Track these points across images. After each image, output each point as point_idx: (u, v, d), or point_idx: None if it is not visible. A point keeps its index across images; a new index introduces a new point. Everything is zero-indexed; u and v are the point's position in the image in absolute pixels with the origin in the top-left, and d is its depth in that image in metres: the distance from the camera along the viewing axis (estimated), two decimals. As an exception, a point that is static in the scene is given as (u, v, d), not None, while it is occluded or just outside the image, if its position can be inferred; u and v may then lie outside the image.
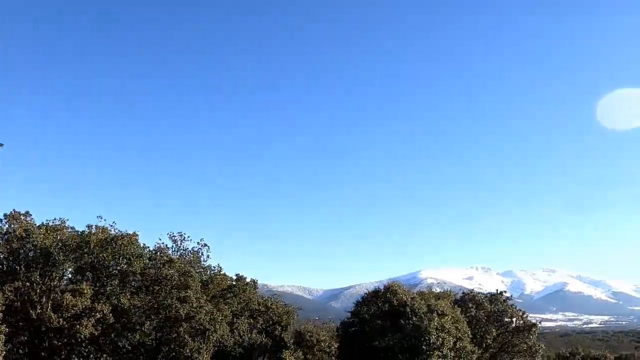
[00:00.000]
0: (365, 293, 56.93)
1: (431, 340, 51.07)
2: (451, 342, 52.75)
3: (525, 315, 67.70)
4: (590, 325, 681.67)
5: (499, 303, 66.74)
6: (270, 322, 54.87)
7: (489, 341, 63.84)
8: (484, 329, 63.87)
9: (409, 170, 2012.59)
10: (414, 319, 52.38)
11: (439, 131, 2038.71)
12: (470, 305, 64.60)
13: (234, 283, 59.63)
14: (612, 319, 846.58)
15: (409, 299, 54.92)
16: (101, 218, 53.92)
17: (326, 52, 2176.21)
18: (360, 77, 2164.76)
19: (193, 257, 62.91)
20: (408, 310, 53.81)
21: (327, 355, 52.07)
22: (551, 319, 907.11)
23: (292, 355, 47.29)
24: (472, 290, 68.05)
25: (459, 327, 54.61)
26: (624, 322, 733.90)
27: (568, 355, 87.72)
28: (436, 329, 51.82)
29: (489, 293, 68.17)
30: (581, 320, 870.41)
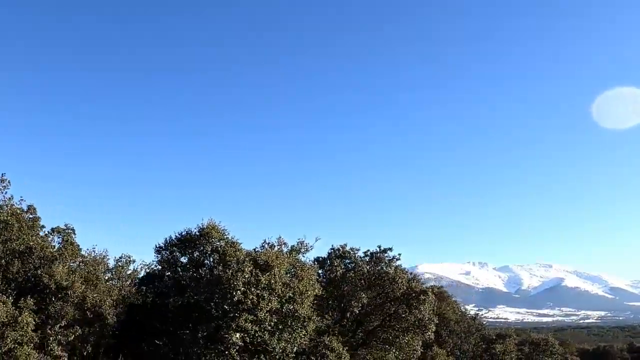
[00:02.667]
0: (171, 237, 41.58)
1: (236, 298, 36.16)
2: (274, 304, 37.84)
3: (416, 280, 52.31)
4: (587, 321, 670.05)
5: (381, 263, 51.42)
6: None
7: (355, 310, 48.49)
8: (355, 294, 48.72)
9: (408, 167, 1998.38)
10: (219, 268, 37.58)
11: (437, 130, 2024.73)
12: (336, 264, 49.34)
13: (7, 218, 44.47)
14: (609, 315, 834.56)
15: (225, 245, 40.02)
16: None
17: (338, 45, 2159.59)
18: (366, 77, 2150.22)
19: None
20: (216, 257, 39.01)
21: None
22: (548, 315, 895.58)
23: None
24: (345, 244, 52.25)
25: (294, 286, 39.54)
26: (620, 318, 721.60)
27: (495, 337, 73.00)
28: (248, 283, 36.87)
29: (368, 250, 52.33)
30: (578, 315, 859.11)
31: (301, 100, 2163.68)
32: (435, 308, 51.48)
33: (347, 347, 44.55)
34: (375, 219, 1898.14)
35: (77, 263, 56.20)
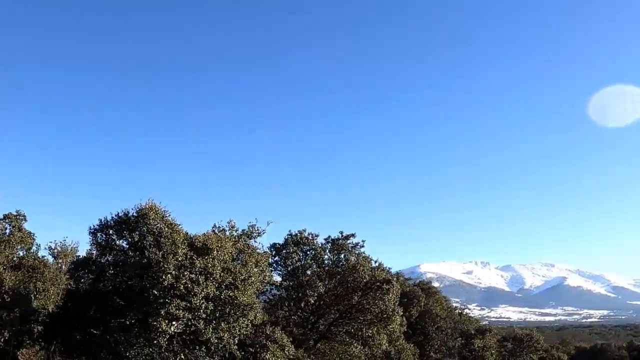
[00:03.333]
0: (106, 218, 38.59)
1: (166, 283, 33.44)
2: (211, 289, 35.07)
3: (381, 268, 49.32)
4: (589, 320, 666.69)
5: (344, 251, 48.53)
6: None
7: (311, 300, 45.45)
8: (312, 283, 45.82)
9: (409, 166, 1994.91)
10: (152, 250, 34.93)
11: (437, 130, 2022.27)
12: (291, 250, 46.51)
13: None
14: (611, 314, 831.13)
15: (163, 226, 37.29)
16: None
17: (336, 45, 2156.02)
18: (369, 78, 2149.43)
19: None
20: (150, 240, 36.34)
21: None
22: (550, 314, 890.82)
23: None
24: (304, 229, 49.05)
25: (235, 271, 36.73)
26: (623, 317, 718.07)
27: (474, 332, 70.10)
28: (181, 267, 34.17)
29: (329, 236, 49.27)
30: (581, 314, 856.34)
31: (300, 99, 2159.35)
32: (398, 299, 48.43)
33: (292, 341, 41.66)
34: (377, 218, 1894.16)
35: (25, 251, 53.79)
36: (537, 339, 76.03)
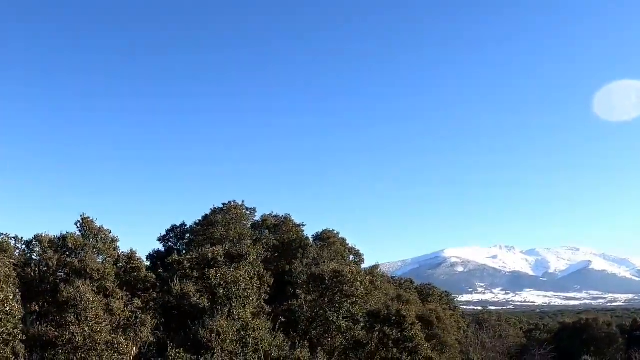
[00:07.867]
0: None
1: None
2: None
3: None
4: (614, 304, 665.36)
5: None
6: None
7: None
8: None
9: (433, 150, 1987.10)
10: None
11: (459, 116, 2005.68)
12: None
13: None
14: (636, 298, 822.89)
15: None
16: None
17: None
18: (376, 71, 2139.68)
19: None
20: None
21: None
22: (575, 298, 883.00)
23: None
24: None
25: None
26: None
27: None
28: None
29: None
30: (605, 298, 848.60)
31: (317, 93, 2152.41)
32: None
33: None
34: (401, 203, 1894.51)
35: None
36: (351, 279, 40.71)
